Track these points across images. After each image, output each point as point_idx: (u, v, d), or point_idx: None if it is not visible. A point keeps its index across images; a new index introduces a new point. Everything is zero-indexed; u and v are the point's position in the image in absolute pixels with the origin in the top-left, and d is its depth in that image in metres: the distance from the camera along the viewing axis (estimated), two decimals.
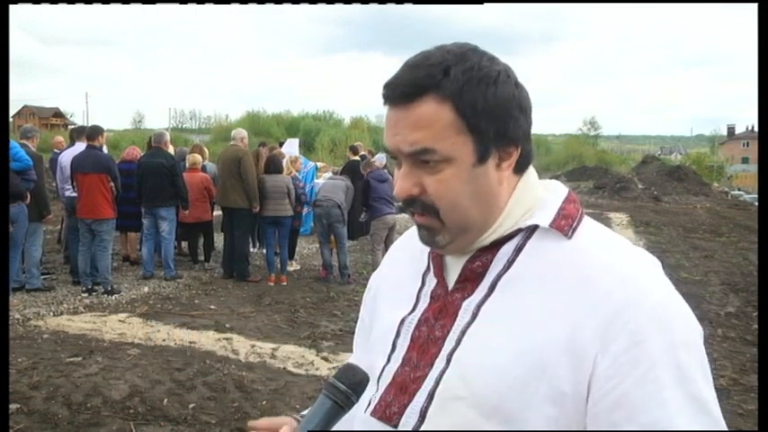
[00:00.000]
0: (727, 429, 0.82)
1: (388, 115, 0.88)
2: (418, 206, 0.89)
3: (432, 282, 0.97)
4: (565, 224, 0.90)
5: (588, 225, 0.92)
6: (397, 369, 0.95)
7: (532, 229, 0.91)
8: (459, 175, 0.86)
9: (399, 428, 0.90)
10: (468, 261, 0.92)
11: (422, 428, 0.88)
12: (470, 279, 0.92)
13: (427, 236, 0.92)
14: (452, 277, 0.94)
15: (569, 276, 0.85)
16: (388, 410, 0.93)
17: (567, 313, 0.83)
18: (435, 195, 0.87)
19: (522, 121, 0.88)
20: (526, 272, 0.88)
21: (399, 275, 1.04)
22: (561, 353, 0.81)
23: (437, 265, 0.97)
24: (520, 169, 0.92)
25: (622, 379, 0.79)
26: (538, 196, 0.93)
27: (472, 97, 0.84)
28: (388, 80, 0.88)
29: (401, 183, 0.88)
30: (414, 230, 1.07)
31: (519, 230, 0.91)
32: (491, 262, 0.91)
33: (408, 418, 0.90)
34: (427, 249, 0.99)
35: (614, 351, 0.79)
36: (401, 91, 0.85)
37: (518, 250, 0.90)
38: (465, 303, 0.91)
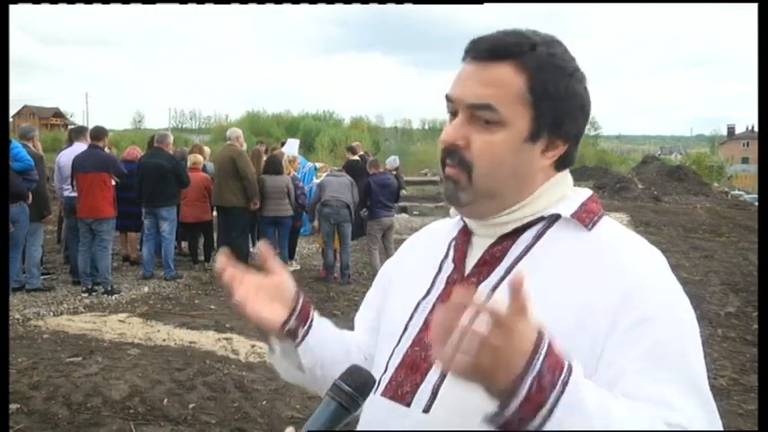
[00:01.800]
0: (720, 425, 0.83)
1: (464, 69, 0.92)
2: (456, 158, 0.91)
3: (448, 268, 0.99)
4: (586, 217, 0.92)
5: (608, 222, 0.95)
6: (407, 350, 0.96)
7: (554, 219, 0.93)
8: (507, 142, 0.89)
9: (412, 408, 0.91)
10: (490, 247, 0.95)
11: (434, 405, 0.89)
12: (488, 263, 0.94)
13: (452, 189, 0.93)
14: (471, 264, 0.96)
15: (586, 262, 0.88)
16: (400, 390, 0.94)
17: (582, 296, 0.85)
18: (478, 153, 0.89)
19: (579, 122, 0.92)
20: (544, 258, 0.90)
21: (415, 263, 1.06)
22: (574, 333, 0.83)
23: (460, 251, 0.99)
24: (559, 167, 0.95)
25: (626, 353, 0.80)
26: (566, 193, 0.96)
27: (547, 78, 0.88)
28: (478, 37, 0.91)
29: (451, 130, 0.91)
30: (435, 224, 1.11)
31: (541, 219, 0.93)
32: (510, 247, 0.93)
33: (421, 397, 0.91)
34: (449, 239, 1.02)
35: (622, 327, 0.81)
36: (488, 48, 0.89)
37: (538, 237, 0.92)
38: (481, 286, 0.92)
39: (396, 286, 1.08)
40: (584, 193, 0.98)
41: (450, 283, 0.97)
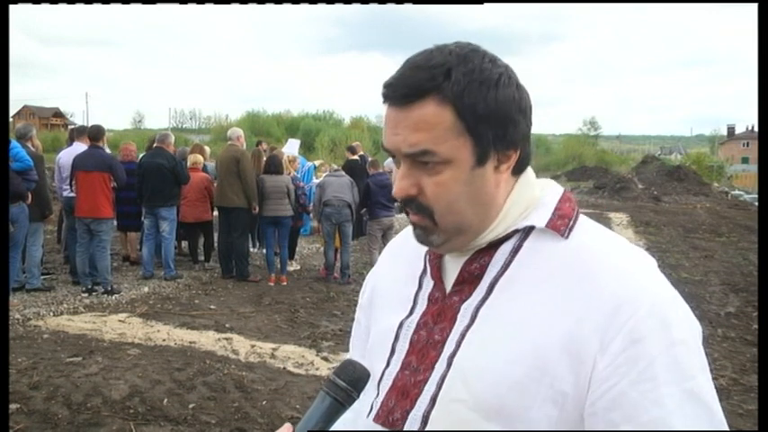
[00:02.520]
0: (727, 427, 0.81)
1: (388, 114, 0.87)
2: (414, 206, 0.89)
3: (429, 284, 0.97)
4: (561, 224, 0.90)
5: (584, 224, 0.92)
6: (397, 373, 0.95)
7: (529, 230, 0.90)
8: (457, 177, 0.86)
9: None
10: (466, 263, 0.92)
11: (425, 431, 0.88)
12: (468, 281, 0.92)
13: (422, 234, 0.92)
14: (450, 279, 0.94)
15: (566, 276, 0.85)
16: (391, 417, 0.93)
17: (565, 313, 0.83)
18: (432, 197, 0.87)
19: (521, 125, 0.88)
20: (523, 273, 0.88)
21: (395, 277, 1.04)
22: (560, 353, 0.81)
23: (434, 267, 0.97)
24: (518, 170, 0.92)
25: (620, 378, 0.79)
26: (535, 196, 0.93)
27: (473, 100, 0.84)
28: (389, 80, 0.87)
29: (399, 183, 0.88)
30: (409, 231, 1.06)
31: (516, 231, 0.91)
32: (488, 264, 0.91)
33: (412, 424, 0.90)
34: (424, 251, 0.99)
35: (613, 350, 0.79)
36: (402, 92, 0.85)
37: (515, 251, 0.90)
38: (463, 306, 0.91)
39: (379, 301, 1.06)
40: (555, 192, 0.94)
41: (432, 301, 0.95)
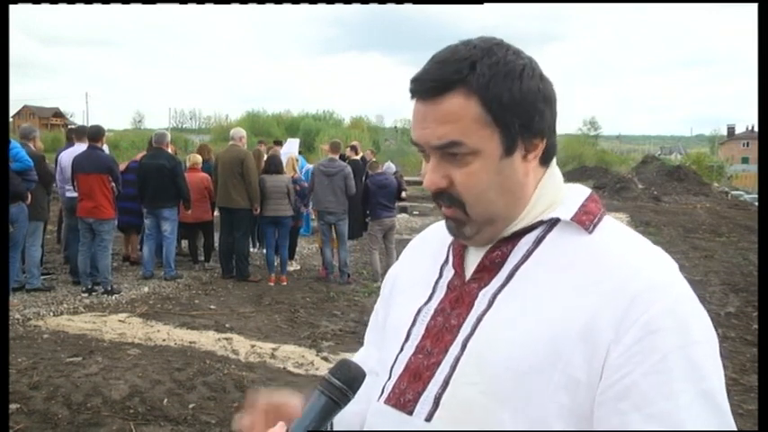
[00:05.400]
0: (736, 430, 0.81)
1: (416, 109, 0.90)
2: (446, 199, 0.91)
3: (449, 273, 0.99)
4: (586, 219, 0.91)
5: (609, 223, 0.93)
6: (411, 357, 0.95)
7: (553, 223, 0.92)
8: (486, 167, 0.88)
9: (414, 416, 0.90)
10: (488, 252, 0.94)
11: (435, 415, 0.88)
12: (488, 269, 0.93)
13: (455, 227, 0.93)
14: (470, 269, 0.95)
15: (587, 269, 0.86)
16: (403, 398, 0.93)
17: (583, 305, 0.83)
18: (463, 188, 0.89)
19: (546, 114, 0.90)
20: (544, 262, 0.89)
21: (417, 269, 1.05)
22: (576, 341, 0.81)
23: (458, 256, 0.98)
24: (545, 161, 0.94)
25: (633, 368, 0.79)
26: (563, 193, 0.95)
27: (498, 91, 0.86)
28: (416, 75, 0.89)
29: (430, 176, 0.90)
30: (434, 227, 1.09)
31: (540, 223, 0.92)
32: (510, 252, 0.92)
33: (423, 406, 0.90)
34: (447, 243, 1.01)
35: (627, 340, 0.80)
36: (429, 86, 0.87)
37: (538, 242, 0.91)
38: (481, 293, 0.92)
39: (398, 291, 1.08)
40: (583, 192, 0.96)
41: (450, 288, 0.96)
